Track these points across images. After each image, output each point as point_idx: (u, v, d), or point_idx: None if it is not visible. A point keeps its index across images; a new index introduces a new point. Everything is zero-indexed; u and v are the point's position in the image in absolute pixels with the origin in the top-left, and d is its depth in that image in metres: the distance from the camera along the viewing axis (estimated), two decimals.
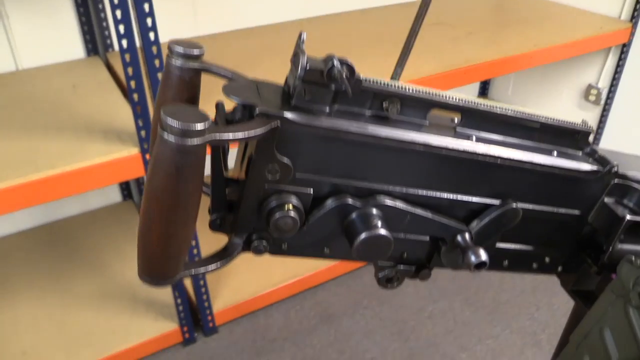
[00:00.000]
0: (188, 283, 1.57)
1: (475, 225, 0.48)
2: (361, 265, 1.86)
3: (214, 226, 0.45)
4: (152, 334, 1.53)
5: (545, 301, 1.78)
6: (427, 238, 0.49)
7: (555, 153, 0.48)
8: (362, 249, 0.43)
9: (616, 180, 0.50)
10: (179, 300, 1.50)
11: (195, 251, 1.45)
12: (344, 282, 1.82)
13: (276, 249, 0.47)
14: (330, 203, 0.44)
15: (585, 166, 0.48)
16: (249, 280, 1.70)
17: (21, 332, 1.51)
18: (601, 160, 0.49)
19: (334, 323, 1.67)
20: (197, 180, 0.36)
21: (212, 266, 0.44)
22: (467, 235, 0.47)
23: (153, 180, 0.35)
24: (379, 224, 0.44)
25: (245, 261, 1.77)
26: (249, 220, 0.44)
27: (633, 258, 0.41)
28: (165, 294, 1.60)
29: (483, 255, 0.45)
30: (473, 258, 0.45)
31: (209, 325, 1.62)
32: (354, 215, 0.44)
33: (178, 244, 0.38)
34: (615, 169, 0.49)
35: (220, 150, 0.42)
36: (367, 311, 1.72)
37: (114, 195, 1.99)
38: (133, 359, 1.53)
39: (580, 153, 0.50)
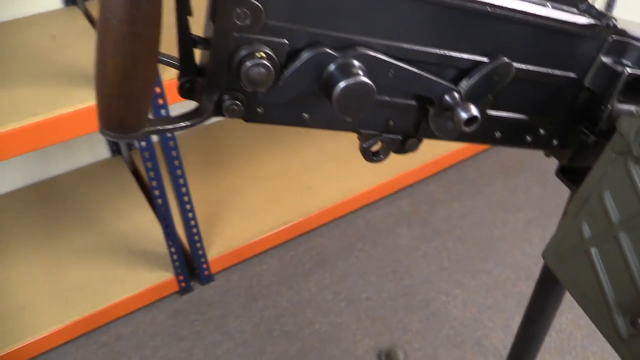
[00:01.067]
0: (181, 232, 1.57)
1: (465, 84, 0.45)
2: (354, 209, 1.87)
3: (183, 91, 0.42)
4: (148, 284, 1.54)
5: (538, 236, 1.80)
6: (413, 102, 0.47)
7: (549, 5, 0.45)
8: (342, 100, 0.40)
9: (614, 37, 0.47)
10: (172, 249, 1.50)
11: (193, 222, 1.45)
12: (337, 226, 1.82)
13: (251, 113, 0.44)
14: (307, 54, 0.41)
15: (582, 19, 0.46)
16: (242, 227, 1.70)
17: (18, 288, 1.51)
18: (598, 15, 0.46)
19: (329, 266, 1.68)
20: (154, 4, 0.33)
21: (181, 124, 0.41)
22: (456, 95, 0.45)
23: (105, 3, 0.33)
24: (360, 72, 0.41)
25: (237, 209, 1.77)
26: (219, 78, 0.40)
27: (634, 109, 0.40)
28: (159, 244, 1.60)
29: (473, 110, 0.43)
30: (463, 113, 0.42)
31: (204, 274, 1.62)
32: (332, 66, 0.41)
33: (137, 84, 0.36)
34: (613, 22, 0.46)
35: None
36: (361, 253, 1.73)
37: (103, 151, 1.97)
38: (130, 309, 1.55)
39: (576, 10, 0.47)
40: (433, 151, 2.02)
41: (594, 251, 0.44)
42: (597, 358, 1.44)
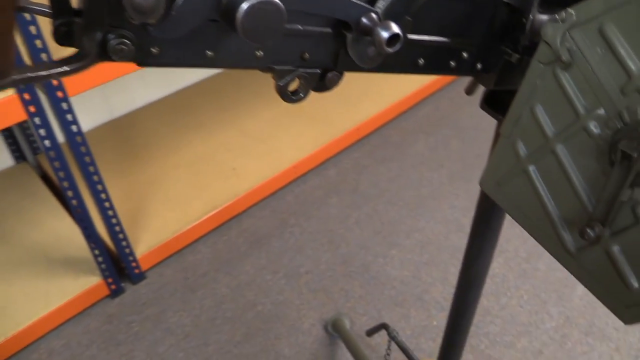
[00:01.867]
0: (104, 232, 1.48)
1: (382, 4, 0.43)
2: (282, 186, 1.84)
3: (59, 36, 0.36)
4: (75, 292, 1.45)
5: (462, 188, 1.85)
6: (328, 29, 0.43)
7: None
8: (248, 24, 0.36)
9: None
10: (96, 252, 1.42)
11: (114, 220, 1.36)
12: (266, 205, 1.79)
13: (144, 55, 0.38)
14: None
15: None
16: (169, 219, 1.63)
17: None
18: None
19: (264, 246, 1.65)
20: None
21: (57, 70, 0.35)
22: (373, 15, 0.42)
23: None
24: None
25: (161, 201, 1.70)
26: (98, 10, 0.35)
27: (556, 15, 0.39)
28: (81, 249, 1.51)
29: (394, 27, 0.40)
30: (384, 32, 0.40)
31: (135, 272, 1.55)
32: None
33: None
34: None
35: None
36: (294, 229, 1.71)
37: (4, 159, 1.82)
38: (60, 321, 1.45)
39: None
40: (353, 118, 2.02)
41: (532, 169, 0.43)
42: (529, 295, 1.51)
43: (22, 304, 1.41)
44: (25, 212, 1.66)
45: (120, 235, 1.45)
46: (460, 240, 1.66)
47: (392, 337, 1.01)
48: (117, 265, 1.53)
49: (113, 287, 1.51)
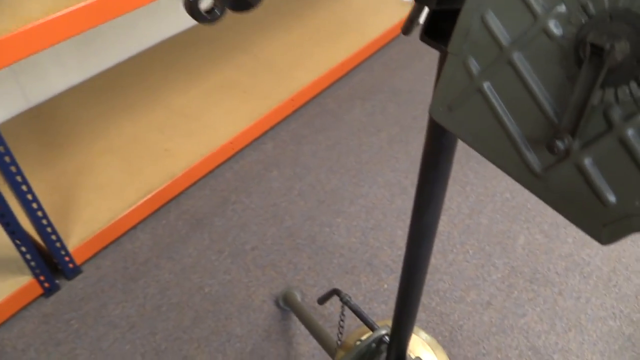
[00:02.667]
0: (30, 228, 1.38)
1: None
2: (220, 163, 1.77)
3: None
4: (4, 295, 1.34)
5: (402, 151, 1.84)
6: None
7: None
8: None
9: None
10: (23, 249, 1.31)
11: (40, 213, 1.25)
12: (205, 185, 1.72)
13: None
14: None
15: None
16: (101, 208, 1.54)
17: None
18: None
19: (206, 226, 1.59)
20: None
21: None
22: None
23: None
24: None
25: (91, 190, 1.60)
26: None
27: None
28: (6, 248, 1.40)
29: None
30: None
31: (69, 267, 1.45)
32: None
33: None
34: None
35: None
36: (236, 206, 1.66)
37: None
38: None
39: None
40: (288, 89, 1.97)
41: (487, 86, 0.40)
42: (475, 249, 1.53)
43: None
44: None
45: (49, 229, 1.35)
46: (404, 203, 1.66)
47: (345, 302, 0.99)
48: (49, 261, 1.43)
49: (46, 285, 1.41)
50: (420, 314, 1.37)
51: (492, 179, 1.74)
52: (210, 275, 1.46)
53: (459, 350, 1.30)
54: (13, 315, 1.39)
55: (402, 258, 1.50)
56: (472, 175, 1.76)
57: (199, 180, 1.73)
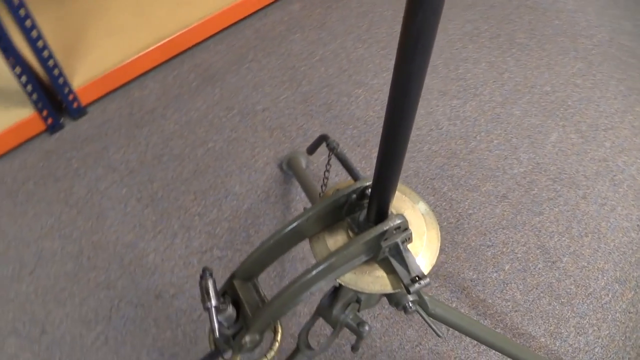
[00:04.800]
0: (32, 59, 1.31)
1: None
2: (241, 18, 1.65)
3: None
4: (6, 125, 1.31)
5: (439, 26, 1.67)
6: None
7: None
8: None
9: None
10: (23, 79, 1.26)
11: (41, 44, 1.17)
12: (223, 39, 1.61)
13: None
14: None
15: None
16: (110, 50, 1.46)
17: None
18: None
19: (218, 82, 1.51)
20: None
21: None
22: None
23: None
24: None
25: (102, 32, 1.50)
26: None
27: None
28: (6, 80, 1.35)
29: None
30: None
31: (73, 106, 1.40)
32: None
33: None
34: None
35: None
36: (253, 64, 1.55)
37: None
38: None
39: None
40: None
41: None
42: (500, 139, 1.42)
43: None
44: None
45: (51, 62, 1.29)
46: (432, 81, 1.53)
47: (332, 149, 0.89)
48: (53, 98, 1.38)
49: (50, 121, 1.37)
50: (429, 197, 1.30)
51: (534, 69, 1.58)
52: (216, 131, 1.39)
53: (463, 238, 1.23)
54: (15, 148, 1.37)
55: (420, 138, 1.40)
56: (512, 63, 1.60)
57: (217, 34, 1.62)
